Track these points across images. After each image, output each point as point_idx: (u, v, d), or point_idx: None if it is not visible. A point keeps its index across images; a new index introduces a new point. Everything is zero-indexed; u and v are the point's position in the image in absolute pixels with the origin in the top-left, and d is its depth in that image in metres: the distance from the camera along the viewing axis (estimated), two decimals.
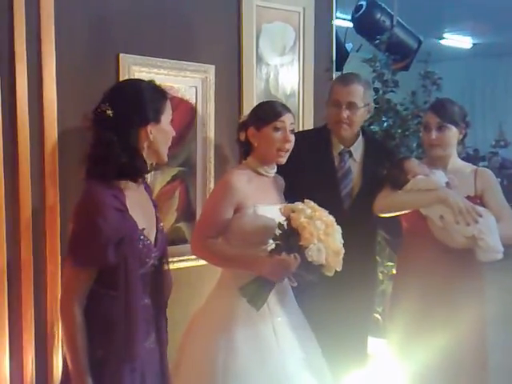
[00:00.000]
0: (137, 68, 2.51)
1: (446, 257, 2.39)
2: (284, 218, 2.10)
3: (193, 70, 2.70)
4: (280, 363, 2.15)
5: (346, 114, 2.48)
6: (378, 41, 3.40)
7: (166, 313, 1.93)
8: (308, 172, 2.47)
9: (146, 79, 1.90)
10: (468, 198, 2.41)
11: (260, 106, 2.35)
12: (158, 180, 2.61)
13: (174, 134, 1.88)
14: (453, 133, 2.46)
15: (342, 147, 2.59)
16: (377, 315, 3.17)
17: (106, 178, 1.72)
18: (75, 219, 1.71)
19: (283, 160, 2.24)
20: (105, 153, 1.71)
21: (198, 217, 2.74)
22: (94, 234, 1.65)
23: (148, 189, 1.96)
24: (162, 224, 1.92)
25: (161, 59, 2.58)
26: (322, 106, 3.04)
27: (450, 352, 2.43)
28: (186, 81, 2.68)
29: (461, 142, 2.52)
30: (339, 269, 2.08)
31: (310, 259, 2.00)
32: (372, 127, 3.34)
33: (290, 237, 2.03)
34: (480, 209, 2.35)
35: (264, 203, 2.21)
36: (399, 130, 3.28)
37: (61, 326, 1.74)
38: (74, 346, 1.67)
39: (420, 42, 3.78)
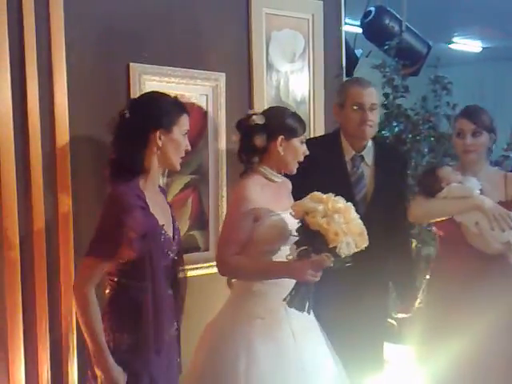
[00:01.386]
0: (147, 77, 2.52)
1: (480, 263, 2.44)
2: (298, 220, 2.08)
3: (203, 78, 2.71)
4: (299, 366, 2.16)
5: (370, 116, 2.52)
6: (387, 46, 3.40)
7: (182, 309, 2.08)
8: (321, 178, 2.42)
9: (164, 91, 2.08)
10: (500, 203, 2.44)
11: (288, 115, 2.28)
12: (170, 188, 2.61)
13: (188, 147, 2.01)
14: (486, 138, 2.53)
15: (354, 152, 2.60)
16: (392, 321, 3.15)
17: (126, 179, 1.89)
18: (102, 216, 1.87)
19: (293, 170, 2.29)
20: (120, 154, 1.91)
21: (211, 225, 2.75)
22: (118, 229, 1.80)
23: (163, 191, 2.14)
24: (177, 222, 2.08)
25: (171, 68, 2.59)
26: (331, 112, 3.06)
27: (481, 357, 2.45)
28: (196, 89, 2.70)
29: (490, 148, 2.58)
30: (367, 243, 2.07)
31: (343, 256, 2.00)
32: (383, 132, 3.33)
33: (314, 240, 2.01)
34: None
35: (278, 210, 2.21)
36: (410, 135, 3.28)
37: (77, 311, 1.86)
38: (91, 326, 1.81)
39: (429, 47, 3.77)
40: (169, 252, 1.95)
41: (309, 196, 2.07)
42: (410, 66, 3.59)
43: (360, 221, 2.08)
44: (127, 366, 1.85)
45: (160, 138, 1.91)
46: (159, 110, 1.92)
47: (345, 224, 2.01)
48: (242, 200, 2.19)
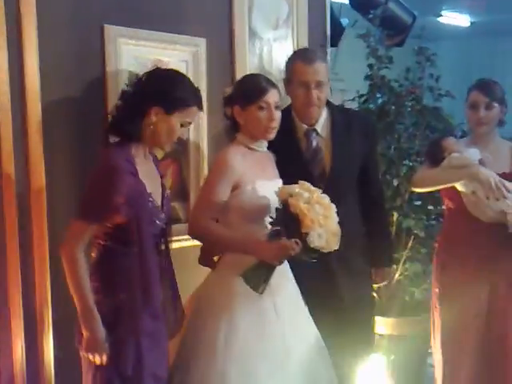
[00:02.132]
0: (123, 40, 2.41)
1: (483, 231, 2.54)
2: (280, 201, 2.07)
3: (183, 43, 2.61)
4: (280, 339, 2.15)
5: (315, 94, 2.37)
6: (371, 15, 3.33)
7: (176, 281, 2.11)
8: (277, 157, 2.36)
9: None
10: (503, 174, 2.54)
11: (244, 82, 2.29)
12: None
13: (183, 137, 2.05)
14: (498, 111, 2.61)
15: (306, 127, 2.47)
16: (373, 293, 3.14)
17: (119, 143, 1.94)
18: (91, 180, 1.88)
19: (271, 136, 2.23)
20: (120, 116, 1.94)
21: (191, 196, 2.68)
22: (108, 193, 1.83)
23: (156, 160, 2.13)
24: (167, 192, 2.09)
25: (149, 31, 2.48)
26: None
27: (486, 309, 2.60)
28: (175, 54, 2.59)
29: (501, 120, 2.66)
30: (337, 247, 2.08)
31: (312, 245, 2.00)
32: (367, 104, 3.29)
33: (290, 223, 2.03)
34: (510, 185, 2.46)
35: (262, 178, 2.20)
36: (393, 107, 3.22)
37: (66, 272, 1.87)
38: (80, 287, 1.84)
39: (414, 18, 3.70)
40: (156, 220, 1.96)
41: (299, 183, 2.09)
42: (394, 36, 3.54)
43: (338, 225, 2.08)
44: (110, 329, 1.88)
45: (156, 116, 1.92)
46: (170, 90, 1.93)
47: (323, 217, 2.02)
48: (222, 165, 2.18)
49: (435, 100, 3.32)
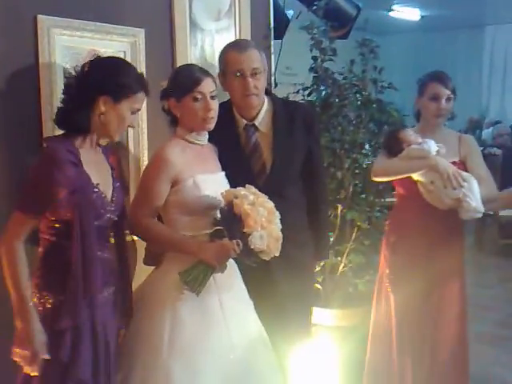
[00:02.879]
0: (57, 31, 2.33)
1: (433, 216, 2.67)
2: (224, 202, 2.09)
3: (120, 34, 2.54)
4: (226, 336, 2.14)
5: (252, 83, 2.33)
6: (315, 7, 3.33)
7: (129, 274, 2.12)
8: (218, 150, 2.34)
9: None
10: (453, 163, 2.67)
11: (177, 73, 2.25)
12: None
13: (133, 125, 2.05)
14: (453, 103, 2.77)
15: (245, 122, 2.42)
16: (317, 285, 3.16)
17: (63, 134, 1.93)
18: (32, 171, 1.85)
19: (210, 126, 2.19)
20: (65, 106, 1.93)
21: (132, 190, 2.64)
22: (47, 185, 1.80)
23: (106, 152, 2.11)
24: (118, 184, 2.07)
25: (84, 21, 2.42)
26: None
27: (431, 299, 2.73)
28: (113, 45, 2.52)
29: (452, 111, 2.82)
30: (277, 254, 2.09)
31: (252, 246, 2.01)
32: (310, 97, 3.29)
33: (233, 223, 2.03)
34: (464, 174, 2.60)
35: (202, 172, 2.17)
36: (337, 100, 3.24)
37: (3, 265, 1.85)
38: (16, 278, 1.82)
39: (359, 10, 3.71)
40: (102, 211, 1.94)
41: (246, 187, 2.10)
42: (339, 28, 3.54)
43: (280, 230, 2.09)
44: (51, 325, 1.85)
45: (104, 105, 1.92)
46: (115, 78, 1.92)
47: (267, 221, 2.05)
48: (160, 161, 2.14)
49: (378, 92, 3.35)
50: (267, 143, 2.41)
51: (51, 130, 2.31)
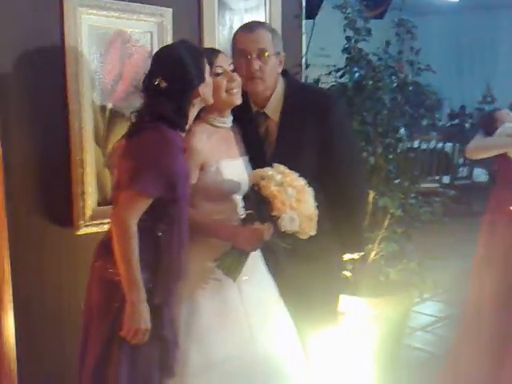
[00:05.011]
0: (84, 10, 2.30)
1: None
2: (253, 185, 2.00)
3: (147, 14, 2.50)
4: (244, 322, 2.08)
5: (257, 65, 2.17)
6: None
7: None
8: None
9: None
10: None
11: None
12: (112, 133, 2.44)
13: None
14: None
15: (256, 108, 2.28)
16: (347, 272, 3.08)
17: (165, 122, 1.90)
18: (142, 152, 1.85)
19: (236, 99, 2.10)
20: (162, 116, 1.89)
21: None
22: (168, 167, 1.83)
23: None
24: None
25: (111, 1, 2.37)
26: (288, 55, 2.89)
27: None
28: (139, 25, 2.49)
29: None
30: (313, 233, 2.00)
31: (283, 229, 1.94)
32: (343, 79, 3.18)
33: (262, 206, 1.97)
34: None
35: (227, 158, 2.12)
36: (370, 82, 3.12)
37: (116, 241, 1.82)
38: (128, 257, 1.80)
39: None
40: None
41: (274, 166, 2.02)
42: (374, 8, 3.42)
43: (314, 207, 2.00)
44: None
45: (201, 92, 1.94)
46: (192, 72, 1.90)
47: (296, 201, 1.96)
48: (189, 150, 2.06)
49: (415, 75, 3.21)
50: (274, 132, 2.27)
51: (77, 109, 2.29)
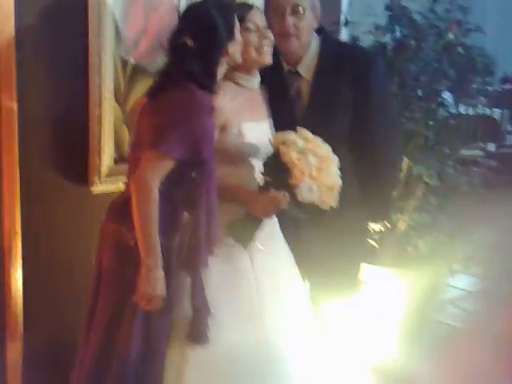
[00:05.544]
0: None
1: None
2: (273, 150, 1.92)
3: None
4: (253, 288, 2.03)
5: (291, 21, 2.07)
6: None
7: None
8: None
9: None
10: None
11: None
12: (134, 90, 2.38)
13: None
14: None
15: (288, 67, 2.18)
16: (372, 241, 2.99)
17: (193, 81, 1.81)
18: (168, 111, 1.77)
19: (266, 58, 2.00)
20: (188, 72, 1.80)
21: None
22: (195, 129, 1.76)
23: None
24: None
25: None
26: (326, 12, 2.74)
27: None
28: None
29: None
30: (334, 204, 1.91)
31: (300, 199, 1.86)
32: (384, 38, 3.00)
33: (280, 173, 1.88)
34: None
35: (250, 120, 2.03)
36: (413, 42, 2.93)
37: (135, 202, 1.75)
38: (147, 218, 1.74)
39: None
40: None
41: (298, 130, 1.92)
42: None
43: (337, 177, 1.90)
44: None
45: (230, 51, 1.86)
46: (221, 30, 1.82)
47: (316, 170, 1.86)
48: None
49: (462, 35, 3.01)
50: (306, 93, 2.17)
51: (97, 63, 2.23)
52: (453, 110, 3.22)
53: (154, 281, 1.77)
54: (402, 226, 2.94)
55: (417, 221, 2.96)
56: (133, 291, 1.78)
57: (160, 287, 1.78)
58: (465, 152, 3.09)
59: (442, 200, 3.00)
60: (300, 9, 2.08)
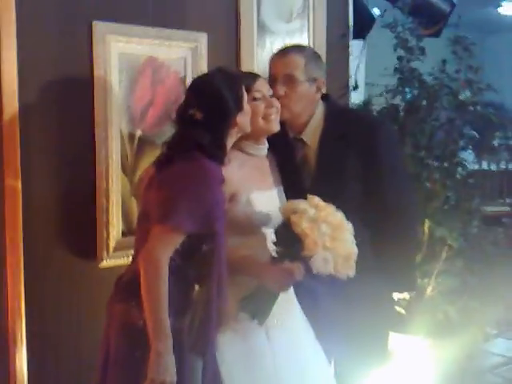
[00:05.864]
0: (113, 37, 2.25)
1: None
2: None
3: (180, 39, 2.41)
4: (271, 369, 1.89)
5: (282, 90, 2.02)
6: (400, 2, 3.04)
7: None
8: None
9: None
10: None
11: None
12: (140, 162, 2.36)
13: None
14: None
15: (293, 134, 2.14)
16: (400, 308, 2.84)
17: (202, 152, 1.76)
18: (177, 183, 1.71)
19: (274, 126, 1.97)
20: (197, 143, 1.75)
21: None
22: (206, 201, 1.69)
23: None
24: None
25: (142, 27, 2.31)
26: (335, 77, 2.74)
27: None
28: (172, 51, 2.40)
29: None
30: (352, 273, 1.82)
31: (315, 271, 1.77)
32: (394, 100, 3.00)
33: (293, 243, 1.80)
34: None
35: (259, 189, 1.97)
36: (424, 102, 2.91)
37: (143, 279, 1.66)
38: (156, 299, 1.64)
39: (453, 5, 3.35)
40: None
41: (308, 198, 1.85)
42: (430, 26, 3.22)
43: (352, 245, 1.81)
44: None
45: (239, 122, 1.81)
46: (229, 102, 1.77)
47: (330, 240, 1.78)
48: None
49: (474, 94, 2.98)
50: (312, 161, 2.12)
51: (104, 137, 2.23)
52: (473, 167, 3.16)
53: (165, 367, 1.65)
54: (429, 291, 2.80)
55: (444, 285, 2.82)
56: (142, 376, 1.66)
57: (170, 373, 1.66)
58: (489, 209, 2.96)
59: (469, 262, 2.87)
60: (292, 78, 2.04)
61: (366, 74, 3.04)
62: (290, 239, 1.81)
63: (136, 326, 1.69)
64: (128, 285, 1.76)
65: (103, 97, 2.23)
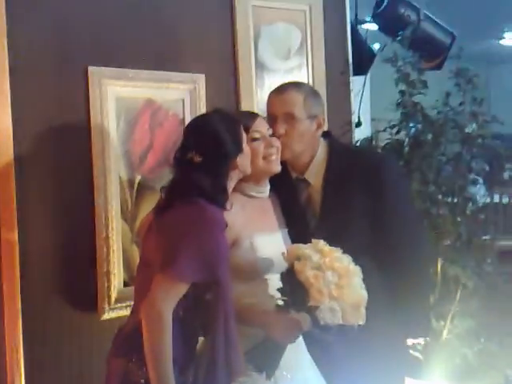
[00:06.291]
0: (110, 81, 2.20)
1: None
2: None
3: (178, 81, 2.37)
4: None
5: (282, 128, 1.96)
6: (400, 37, 3.00)
7: None
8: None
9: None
10: None
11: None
12: (140, 207, 2.28)
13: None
14: None
15: (295, 175, 2.07)
16: (416, 353, 2.71)
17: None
18: (178, 230, 1.64)
19: (274, 167, 1.90)
20: (197, 187, 1.69)
21: None
22: (209, 250, 1.63)
23: None
24: None
25: (138, 70, 2.26)
26: (337, 114, 2.68)
27: None
28: (170, 93, 2.36)
29: None
30: (362, 322, 1.72)
31: (322, 322, 1.68)
32: (398, 135, 2.94)
33: (297, 292, 1.72)
34: None
35: (262, 232, 1.89)
36: (429, 137, 2.84)
37: (146, 331, 1.59)
38: (160, 351, 1.57)
39: (453, 37, 3.32)
40: None
41: (312, 242, 1.77)
42: (431, 59, 3.18)
43: (361, 291, 1.72)
44: None
45: (238, 163, 1.76)
46: (228, 144, 1.72)
47: (337, 287, 1.69)
48: None
49: (479, 127, 2.92)
50: (316, 202, 2.04)
51: (103, 184, 2.17)
52: (484, 201, 3.07)
53: None
54: (445, 334, 2.68)
55: (460, 327, 2.69)
56: None
57: None
58: (503, 243, 2.86)
59: (485, 301, 2.76)
60: (292, 116, 1.98)
61: (372, 109, 3.00)
62: (294, 287, 1.73)
63: (138, 383, 1.60)
64: (128, 338, 1.67)
65: (101, 143, 2.19)
